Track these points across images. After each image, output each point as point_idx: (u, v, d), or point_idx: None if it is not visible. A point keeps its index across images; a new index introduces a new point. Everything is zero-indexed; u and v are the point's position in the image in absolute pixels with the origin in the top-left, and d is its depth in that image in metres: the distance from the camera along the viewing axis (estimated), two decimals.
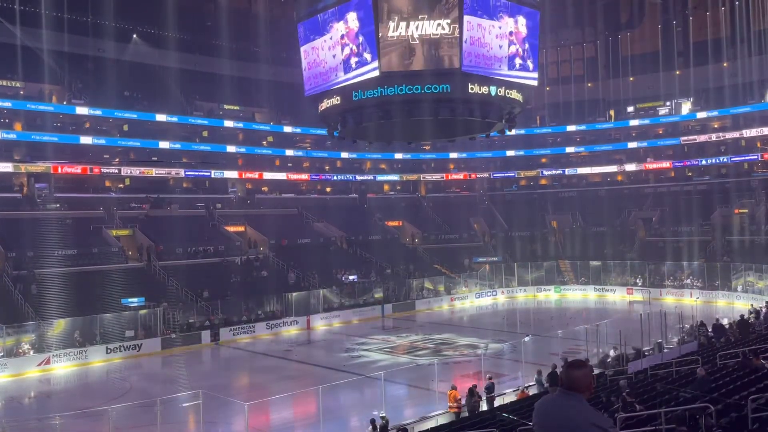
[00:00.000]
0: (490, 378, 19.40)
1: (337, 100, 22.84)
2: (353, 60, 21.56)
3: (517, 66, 22.20)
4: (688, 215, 48.22)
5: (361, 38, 21.25)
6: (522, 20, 22.09)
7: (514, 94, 22.28)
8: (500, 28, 21.40)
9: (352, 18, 21.46)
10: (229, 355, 31.36)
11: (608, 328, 25.77)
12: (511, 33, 21.81)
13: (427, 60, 20.59)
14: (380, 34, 20.18)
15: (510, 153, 59.83)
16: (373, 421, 15.74)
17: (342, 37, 21.81)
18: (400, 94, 21.34)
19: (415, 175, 59.53)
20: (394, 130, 25.30)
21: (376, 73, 20.94)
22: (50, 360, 27.57)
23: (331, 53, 22.38)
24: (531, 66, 22.77)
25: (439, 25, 20.22)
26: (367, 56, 21.18)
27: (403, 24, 20.17)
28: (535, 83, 24.05)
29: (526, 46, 22.39)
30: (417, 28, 20.21)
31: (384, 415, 16.04)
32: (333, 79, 22.57)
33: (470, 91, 21.06)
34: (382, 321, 38.73)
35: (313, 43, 23.15)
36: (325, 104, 23.37)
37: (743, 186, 50.46)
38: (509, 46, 21.75)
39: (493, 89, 21.49)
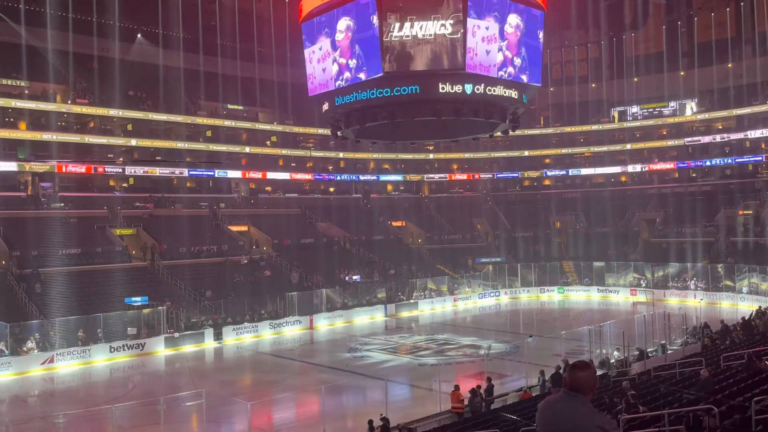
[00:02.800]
0: (489, 380, 19.31)
1: (327, 105, 22.63)
2: (345, 75, 21.07)
3: (507, 76, 21.34)
4: (692, 216, 48.09)
5: (357, 50, 20.51)
6: (515, 19, 21.18)
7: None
8: (487, 29, 20.17)
9: (343, 27, 20.81)
10: (232, 354, 31.40)
11: (611, 329, 25.71)
12: (503, 37, 20.83)
13: (427, 61, 20.22)
14: (384, 37, 19.79)
15: (514, 153, 59.78)
16: (370, 422, 15.67)
17: (333, 49, 21.19)
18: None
19: (418, 176, 59.51)
20: (398, 130, 25.13)
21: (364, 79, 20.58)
22: (54, 359, 27.64)
23: (321, 66, 21.87)
24: (525, 78, 21.46)
25: (442, 25, 19.91)
26: (362, 75, 20.72)
27: (407, 24, 19.89)
28: (537, 83, 23.68)
29: (523, 51, 21.35)
30: (421, 28, 19.96)
31: (383, 415, 16.03)
32: (322, 90, 22.31)
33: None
34: (385, 321, 38.73)
35: (306, 51, 22.78)
36: (327, 105, 23.21)
37: (748, 187, 50.31)
38: (498, 52, 20.65)
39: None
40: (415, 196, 59.24)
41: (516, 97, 21.52)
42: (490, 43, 20.41)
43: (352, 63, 20.89)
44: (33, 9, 40.68)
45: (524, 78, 21.64)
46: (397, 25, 19.85)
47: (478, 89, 20.40)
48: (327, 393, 19.15)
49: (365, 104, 21.41)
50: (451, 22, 19.84)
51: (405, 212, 54.99)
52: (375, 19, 19.86)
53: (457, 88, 20.19)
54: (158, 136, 46.61)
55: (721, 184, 52.20)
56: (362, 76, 20.80)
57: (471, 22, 19.85)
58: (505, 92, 21.10)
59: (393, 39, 19.97)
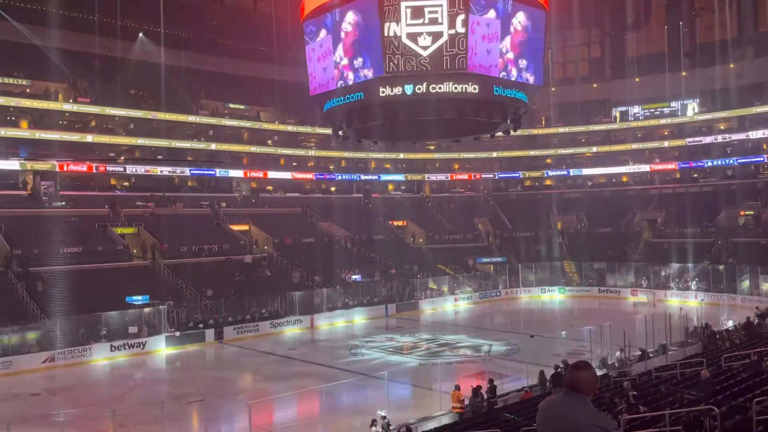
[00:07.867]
0: (491, 380, 19.30)
1: (326, 105, 22.69)
2: (345, 76, 21.11)
3: (514, 75, 21.17)
4: (693, 217, 48.00)
5: (357, 50, 20.50)
6: (521, 16, 21.01)
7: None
8: (488, 26, 19.94)
9: (344, 27, 20.70)
10: (233, 353, 31.40)
11: (612, 329, 25.67)
12: (508, 33, 20.64)
13: (428, 62, 20.10)
14: (385, 37, 19.70)
15: (515, 153, 59.74)
16: (373, 421, 15.71)
17: (334, 49, 21.18)
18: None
19: (419, 175, 59.50)
20: (399, 129, 25.09)
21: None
22: (55, 357, 27.66)
23: (321, 66, 21.85)
24: (532, 78, 21.33)
25: (440, 24, 19.78)
26: (350, 77, 20.80)
27: (403, 23, 19.79)
28: (538, 84, 23.55)
29: (525, 48, 20.98)
30: (417, 27, 19.85)
31: (385, 414, 16.03)
32: (323, 89, 22.37)
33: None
34: (386, 321, 38.72)
35: (307, 50, 22.77)
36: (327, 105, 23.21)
37: (749, 188, 50.21)
38: (499, 53, 20.24)
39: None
40: (416, 196, 59.23)
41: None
42: (478, 44, 20.18)
43: (353, 63, 20.91)
44: (35, 7, 40.74)
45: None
46: (394, 24, 19.76)
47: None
48: (327, 392, 19.15)
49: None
50: (448, 21, 19.71)
51: (406, 212, 54.93)
52: (377, 18, 19.78)
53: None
54: (160, 135, 46.57)
55: (722, 185, 52.07)
56: (352, 77, 20.87)
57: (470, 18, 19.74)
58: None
59: (392, 38, 19.91)
